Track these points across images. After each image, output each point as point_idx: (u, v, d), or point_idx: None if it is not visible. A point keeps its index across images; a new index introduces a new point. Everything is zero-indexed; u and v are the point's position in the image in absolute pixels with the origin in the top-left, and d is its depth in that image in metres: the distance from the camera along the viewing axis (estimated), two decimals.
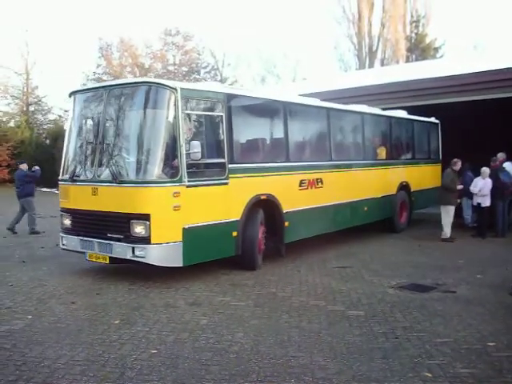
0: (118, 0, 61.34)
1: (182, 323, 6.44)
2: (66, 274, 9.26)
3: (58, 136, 35.44)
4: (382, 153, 14.13)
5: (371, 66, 44.74)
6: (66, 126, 10.15)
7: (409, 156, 15.57)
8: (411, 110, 15.91)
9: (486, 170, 13.03)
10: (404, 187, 14.60)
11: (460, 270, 9.58)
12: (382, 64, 44.98)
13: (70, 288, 8.20)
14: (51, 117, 43.90)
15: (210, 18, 67.32)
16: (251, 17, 68.15)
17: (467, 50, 41.98)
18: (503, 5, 59.10)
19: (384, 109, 15.12)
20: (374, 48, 46.67)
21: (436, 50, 46.53)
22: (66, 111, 43.24)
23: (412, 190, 14.97)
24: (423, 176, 15.77)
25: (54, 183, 32.81)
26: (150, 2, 63.05)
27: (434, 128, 16.88)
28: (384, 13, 45.91)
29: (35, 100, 43.72)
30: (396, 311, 6.98)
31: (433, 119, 16.78)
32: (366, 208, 12.91)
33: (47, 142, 37.86)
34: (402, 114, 15.30)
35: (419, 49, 46.44)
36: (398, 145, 15.11)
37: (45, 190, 33.70)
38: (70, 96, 9.72)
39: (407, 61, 43.76)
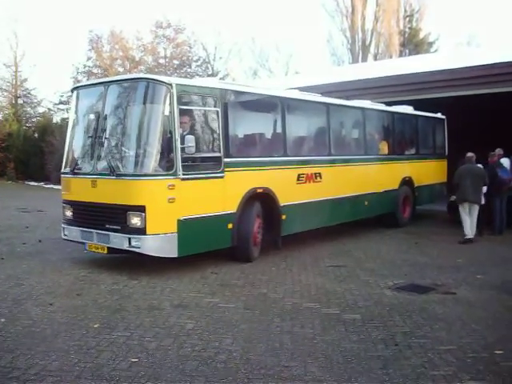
0: None
1: (166, 328, 6.00)
2: (46, 272, 8.77)
3: (46, 129, 34.90)
4: (384, 148, 14.00)
5: (364, 60, 44.25)
6: (69, 121, 10.38)
7: (412, 151, 15.41)
8: (418, 103, 15.71)
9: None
10: (407, 182, 14.48)
11: (459, 269, 9.19)
12: (375, 58, 44.52)
13: (49, 288, 7.73)
14: (40, 110, 43.26)
15: (202, 11, 66.51)
16: (243, 10, 67.43)
17: (461, 45, 41.64)
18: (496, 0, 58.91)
19: (389, 103, 14.86)
20: (368, 42, 46.16)
21: (430, 44, 46.19)
22: (55, 104, 42.83)
23: (415, 185, 14.82)
24: (428, 171, 15.59)
25: (42, 177, 32.54)
26: None
27: (440, 123, 16.66)
28: (378, 7, 45.29)
29: (24, 93, 42.99)
30: (395, 314, 6.58)
31: (439, 115, 16.52)
32: (366, 202, 12.85)
33: (35, 135, 37.16)
34: (407, 109, 15.16)
35: (412, 43, 46.04)
36: (400, 140, 14.94)
37: (33, 183, 33.15)
38: (71, 91, 10.08)
39: (400, 55, 43.34)
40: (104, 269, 8.93)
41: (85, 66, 43.28)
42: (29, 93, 42.91)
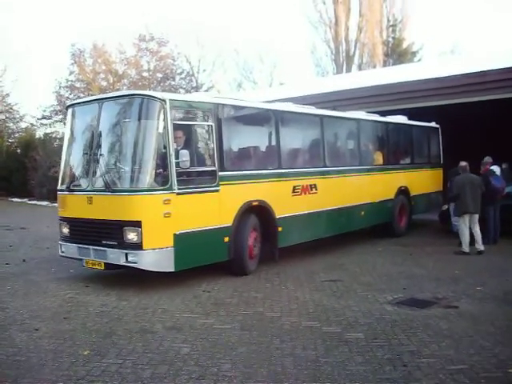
0: (91, 4, 60.09)
1: (161, 353, 5.66)
2: (31, 294, 8.41)
3: (29, 145, 34.41)
4: (379, 158, 13.94)
5: (348, 70, 44.29)
6: (64, 138, 10.48)
7: (408, 161, 15.37)
8: (411, 113, 15.66)
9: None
10: (403, 192, 14.43)
11: (458, 281, 8.96)
12: (360, 69, 44.60)
13: (34, 311, 7.37)
14: (23, 125, 42.63)
15: (184, 24, 66.32)
16: (226, 22, 67.36)
17: (445, 54, 41.77)
18: (479, 10, 59.42)
19: (383, 113, 14.81)
20: (352, 53, 46.26)
21: (413, 54, 46.38)
22: (38, 119, 42.19)
23: (411, 195, 14.75)
24: (423, 180, 15.59)
25: (25, 193, 31.99)
26: (125, 7, 62.08)
27: (435, 132, 16.67)
28: (361, 17, 45.45)
29: (6, 108, 42.38)
30: (398, 332, 6.30)
31: (433, 124, 16.55)
32: (362, 213, 12.82)
33: (18, 151, 36.64)
34: (401, 119, 15.08)
35: (396, 53, 46.21)
36: (395, 150, 14.90)
37: (16, 200, 32.57)
38: (66, 109, 10.25)
39: (384, 65, 43.42)
40: (91, 289, 8.60)
41: (67, 81, 42.77)
42: (11, 108, 42.28)
